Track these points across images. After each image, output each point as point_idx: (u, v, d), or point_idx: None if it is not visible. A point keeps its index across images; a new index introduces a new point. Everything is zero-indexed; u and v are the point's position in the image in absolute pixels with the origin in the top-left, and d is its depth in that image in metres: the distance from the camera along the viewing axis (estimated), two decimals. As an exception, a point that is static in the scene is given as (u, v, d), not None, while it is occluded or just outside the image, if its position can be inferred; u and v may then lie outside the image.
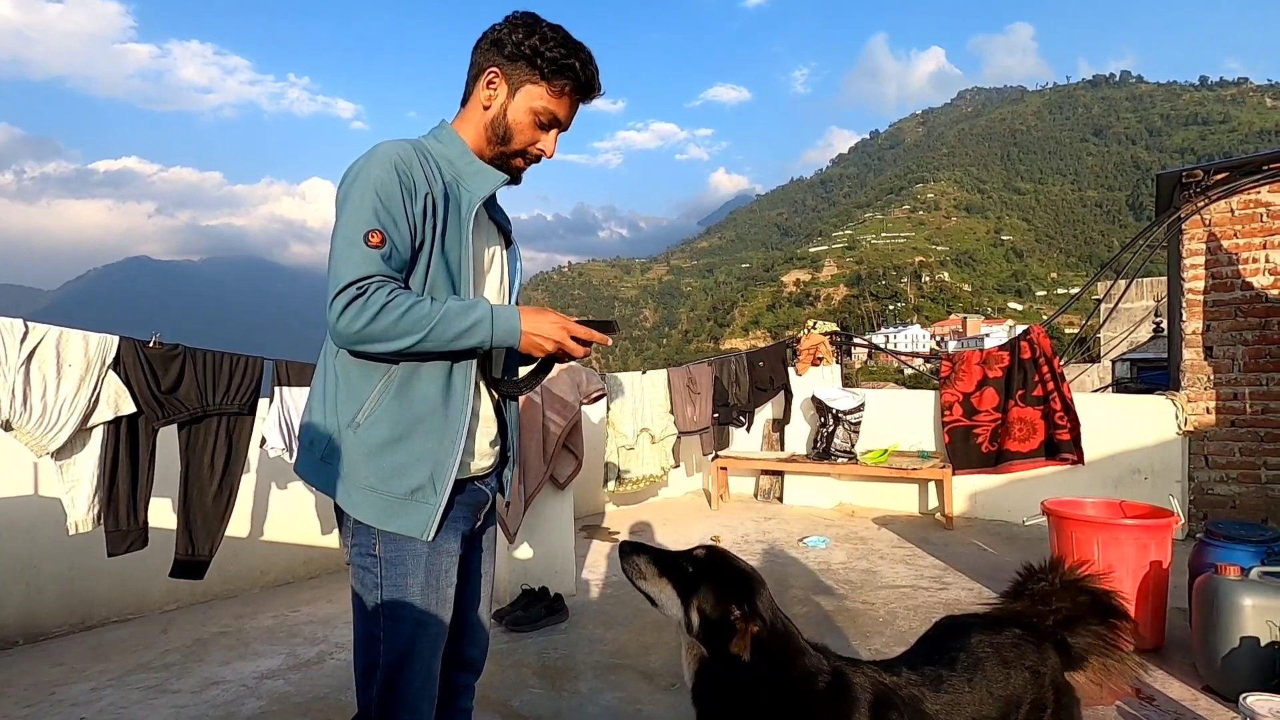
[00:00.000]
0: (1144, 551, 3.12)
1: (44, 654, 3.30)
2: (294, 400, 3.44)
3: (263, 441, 3.44)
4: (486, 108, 1.48)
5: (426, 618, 1.38)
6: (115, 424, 2.75)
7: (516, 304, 1.61)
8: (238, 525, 4.19)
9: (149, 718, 2.65)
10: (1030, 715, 1.45)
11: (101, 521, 2.72)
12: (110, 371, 2.74)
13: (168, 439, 3.05)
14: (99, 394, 2.69)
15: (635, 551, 1.42)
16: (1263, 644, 2.55)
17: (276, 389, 3.38)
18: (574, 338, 1.38)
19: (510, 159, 1.51)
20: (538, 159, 1.54)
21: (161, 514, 3.25)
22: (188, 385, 2.93)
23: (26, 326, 2.54)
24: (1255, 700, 2.14)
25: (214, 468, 3.02)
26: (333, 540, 4.73)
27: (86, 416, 2.67)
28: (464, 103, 1.52)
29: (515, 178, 1.56)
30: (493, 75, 1.46)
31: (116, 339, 2.79)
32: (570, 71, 1.46)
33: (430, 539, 1.36)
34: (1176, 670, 2.93)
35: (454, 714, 1.60)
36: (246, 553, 4.26)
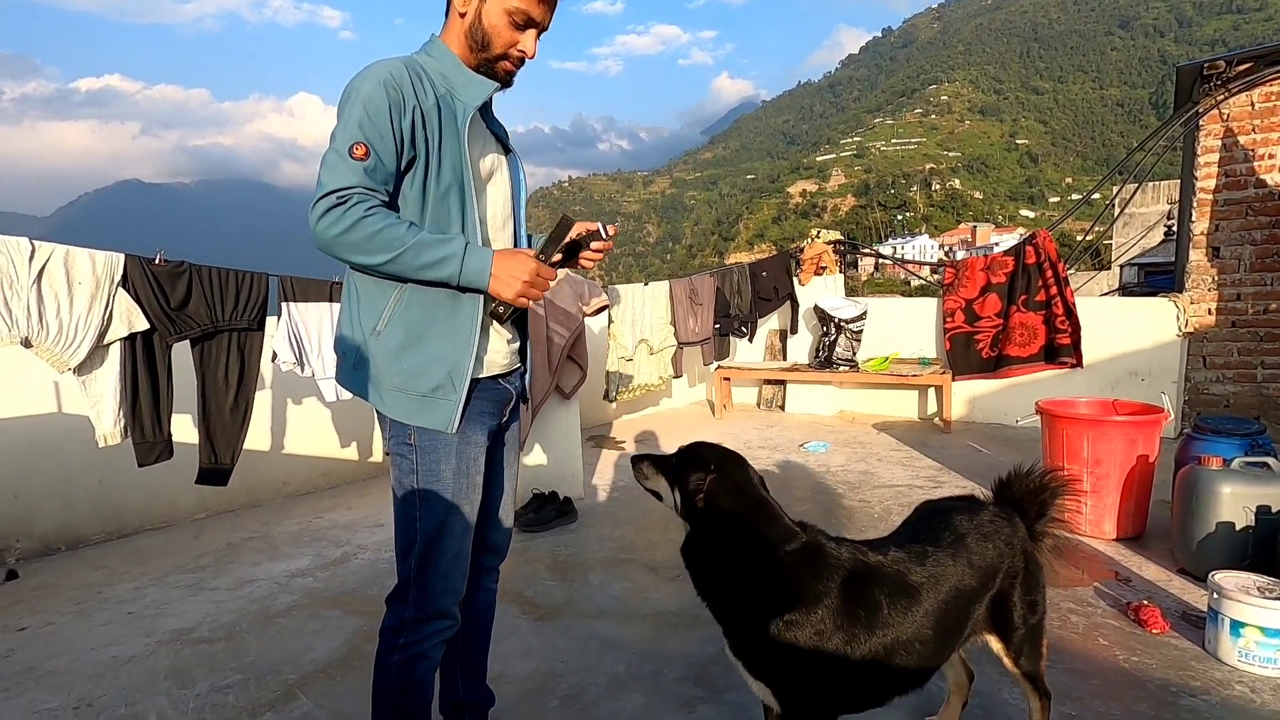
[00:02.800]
0: (1132, 446, 3.22)
1: (85, 559, 3.52)
2: (301, 315, 3.50)
3: (274, 356, 3.52)
4: (463, 15, 1.47)
5: (457, 500, 1.51)
6: (131, 341, 2.82)
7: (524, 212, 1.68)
8: (258, 439, 4.35)
9: (191, 612, 2.85)
10: (1005, 581, 1.58)
11: (129, 434, 2.84)
12: (120, 289, 2.78)
13: (183, 355, 3.13)
14: (111, 311, 2.74)
15: (641, 460, 1.56)
16: (1238, 528, 2.68)
17: (284, 304, 3.43)
18: (539, 276, 1.42)
19: (494, 64, 1.51)
20: (521, 61, 1.53)
21: (185, 428, 3.38)
22: (196, 301, 2.99)
23: (33, 245, 2.57)
24: (1223, 576, 2.28)
25: (229, 381, 3.12)
26: (350, 454, 4.91)
27: (102, 333, 2.73)
28: (446, 12, 1.52)
29: (506, 81, 1.56)
30: None
31: (123, 256, 2.82)
32: None
33: (454, 431, 1.47)
34: (1154, 555, 3.10)
35: (479, 592, 1.75)
36: (268, 465, 4.43)
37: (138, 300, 2.82)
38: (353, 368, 1.52)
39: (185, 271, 2.98)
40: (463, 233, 1.46)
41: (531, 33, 1.50)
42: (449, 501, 1.49)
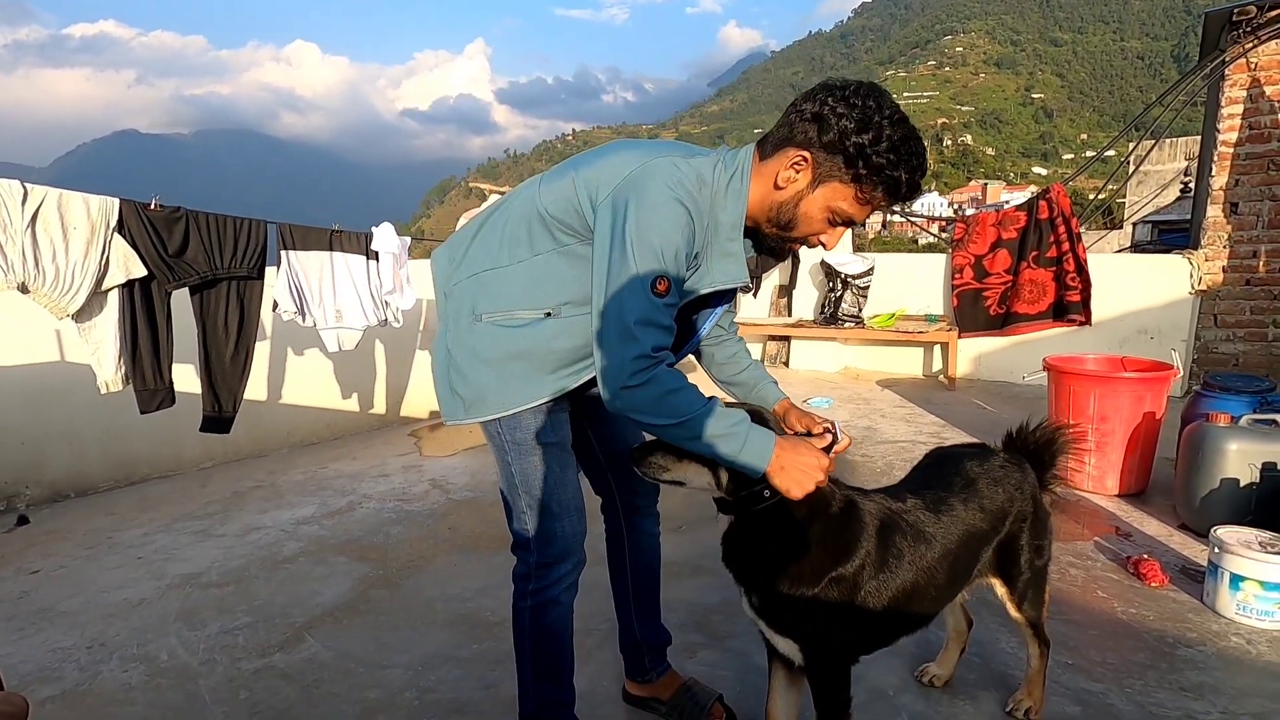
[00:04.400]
0: (1139, 403, 3.20)
1: (94, 505, 3.56)
2: (301, 264, 3.45)
3: (275, 306, 3.49)
4: (780, 188, 1.33)
5: (548, 452, 1.48)
6: (129, 288, 2.79)
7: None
8: (262, 389, 4.36)
9: (199, 557, 2.90)
10: (1014, 524, 1.59)
11: (130, 381, 2.84)
12: (116, 235, 2.74)
13: (183, 303, 3.10)
14: (108, 257, 2.71)
15: (648, 452, 1.37)
16: (1242, 485, 2.67)
17: (283, 253, 3.39)
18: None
19: (783, 242, 1.40)
20: (811, 245, 1.42)
21: (187, 376, 3.38)
22: (194, 248, 2.94)
23: (25, 189, 2.52)
24: (1224, 531, 2.28)
25: (229, 329, 3.10)
26: (353, 405, 4.93)
27: (100, 280, 2.70)
28: (765, 148, 1.35)
29: (774, 251, 1.47)
30: (800, 162, 1.29)
31: (117, 201, 2.77)
32: (890, 184, 1.28)
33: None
34: (1155, 511, 3.10)
35: (642, 535, 1.78)
36: (273, 415, 4.45)
37: (134, 246, 2.77)
38: (443, 295, 1.49)
39: (182, 217, 2.93)
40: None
41: (840, 229, 1.38)
42: (540, 457, 1.47)
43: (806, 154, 1.28)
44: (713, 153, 1.40)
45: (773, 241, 1.41)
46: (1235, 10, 4.90)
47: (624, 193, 1.27)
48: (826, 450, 1.38)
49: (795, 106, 1.30)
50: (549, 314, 1.38)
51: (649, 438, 1.37)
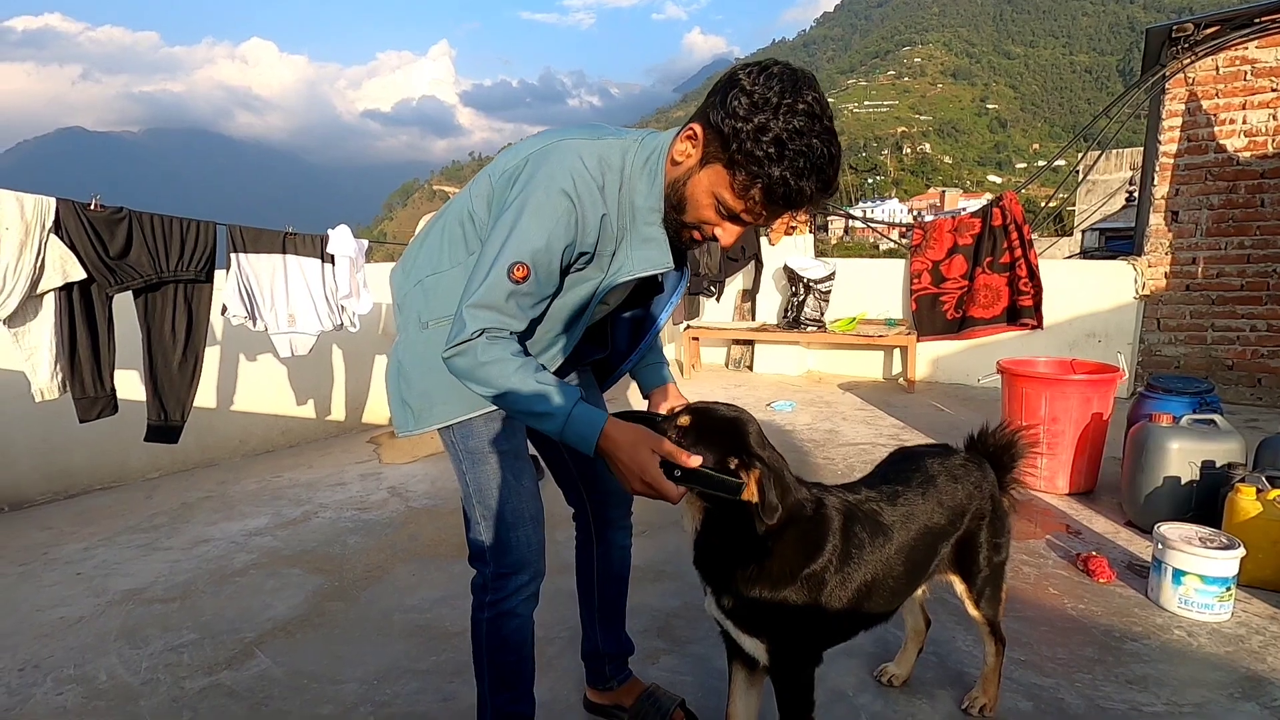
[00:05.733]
0: (1087, 404, 3.30)
1: (30, 519, 3.39)
2: (252, 267, 3.35)
3: (224, 309, 3.38)
4: (676, 163, 1.26)
5: (503, 460, 1.45)
6: (67, 291, 2.67)
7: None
8: (213, 396, 4.22)
9: (143, 572, 2.78)
10: (973, 522, 1.62)
11: (68, 388, 2.71)
12: (53, 236, 2.62)
13: (127, 308, 2.98)
14: (44, 259, 2.58)
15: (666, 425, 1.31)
16: (1183, 482, 2.77)
17: (233, 255, 3.28)
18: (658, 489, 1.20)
19: (681, 227, 1.31)
20: (713, 237, 1.31)
21: (132, 384, 3.24)
22: (138, 251, 2.83)
23: (-49, 187, 2.39)
24: (1167, 528, 2.36)
25: (176, 334, 2.99)
26: (309, 411, 4.80)
27: (35, 283, 2.58)
28: (678, 131, 1.30)
29: (681, 254, 1.39)
30: (692, 135, 1.22)
31: (53, 200, 2.64)
32: (766, 181, 1.15)
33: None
34: (1104, 509, 3.20)
35: (611, 546, 1.77)
36: (224, 422, 4.31)
37: (73, 248, 2.65)
38: (398, 304, 1.47)
39: (125, 218, 2.82)
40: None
41: (732, 226, 1.28)
42: (498, 465, 1.45)
43: (699, 126, 1.20)
44: (630, 133, 1.34)
45: (671, 226, 1.31)
46: (1174, 28, 5.12)
47: (518, 174, 1.28)
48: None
49: (720, 79, 1.24)
50: None
51: None
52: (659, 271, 1.34)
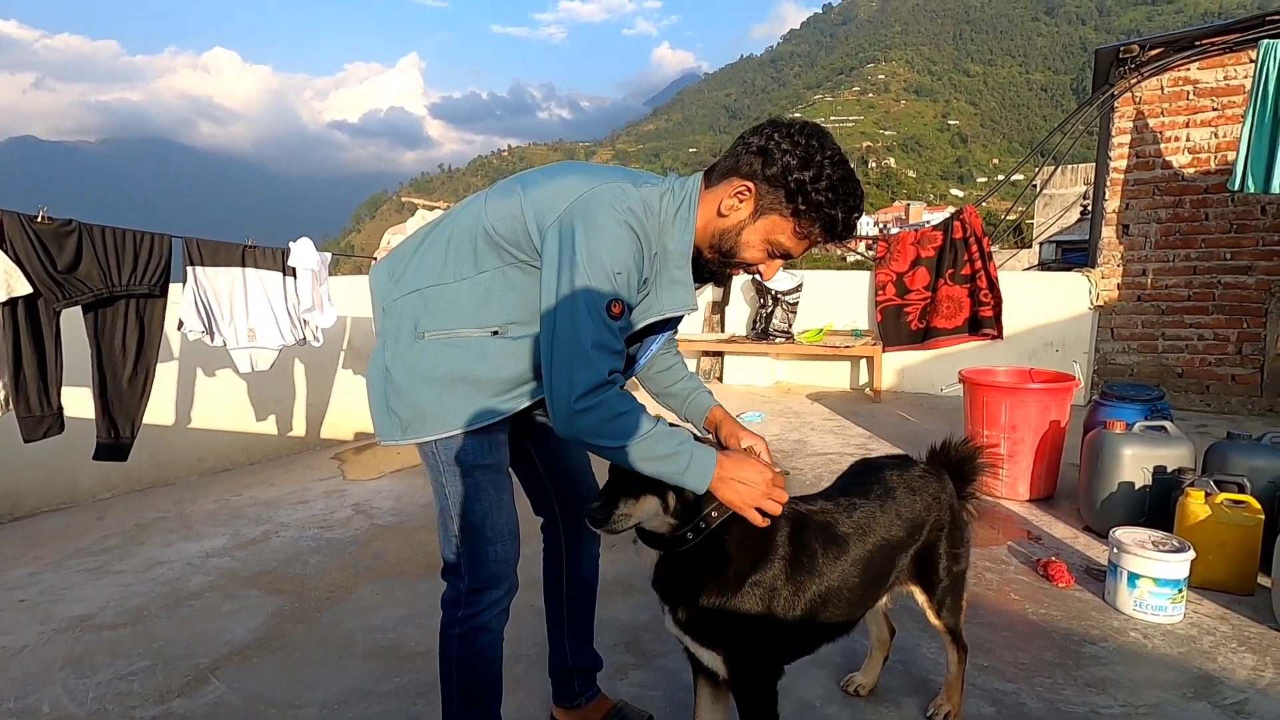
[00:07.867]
0: (1045, 412, 3.38)
1: (-26, 544, 3.24)
2: (209, 281, 3.28)
3: (180, 324, 3.29)
4: (723, 215, 1.36)
5: (484, 475, 1.45)
6: (11, 306, 2.57)
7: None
8: (169, 412, 4.10)
9: (93, 597, 2.67)
10: (931, 533, 1.64)
11: (12, 406, 2.61)
12: (-4, 249, 2.53)
13: (75, 323, 2.89)
14: (-14, 273, 2.49)
15: (609, 510, 1.27)
16: (1137, 487, 2.85)
17: (189, 269, 3.20)
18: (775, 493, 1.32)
19: (723, 267, 1.43)
20: (750, 273, 1.46)
21: (81, 401, 3.13)
22: (88, 264, 2.74)
23: (-113, 198, 2.29)
24: (1122, 532, 2.43)
25: (127, 350, 2.89)
26: (270, 428, 4.69)
27: (-24, 298, 2.48)
28: (710, 177, 1.38)
29: (718, 279, 1.50)
30: (744, 191, 1.33)
31: (-2, 213, 2.56)
32: (827, 221, 1.32)
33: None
34: (1062, 515, 3.28)
35: (581, 557, 1.77)
36: (181, 440, 4.18)
37: (18, 262, 2.56)
38: (382, 310, 1.47)
39: (74, 231, 2.73)
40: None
41: (778, 262, 1.41)
42: (475, 478, 1.44)
43: (750, 184, 1.32)
44: (661, 180, 1.42)
45: (714, 267, 1.43)
46: (1121, 49, 5.32)
47: (571, 216, 1.27)
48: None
49: (743, 139, 1.34)
50: (496, 332, 1.36)
51: (593, 458, 1.37)
52: (684, 312, 1.42)
